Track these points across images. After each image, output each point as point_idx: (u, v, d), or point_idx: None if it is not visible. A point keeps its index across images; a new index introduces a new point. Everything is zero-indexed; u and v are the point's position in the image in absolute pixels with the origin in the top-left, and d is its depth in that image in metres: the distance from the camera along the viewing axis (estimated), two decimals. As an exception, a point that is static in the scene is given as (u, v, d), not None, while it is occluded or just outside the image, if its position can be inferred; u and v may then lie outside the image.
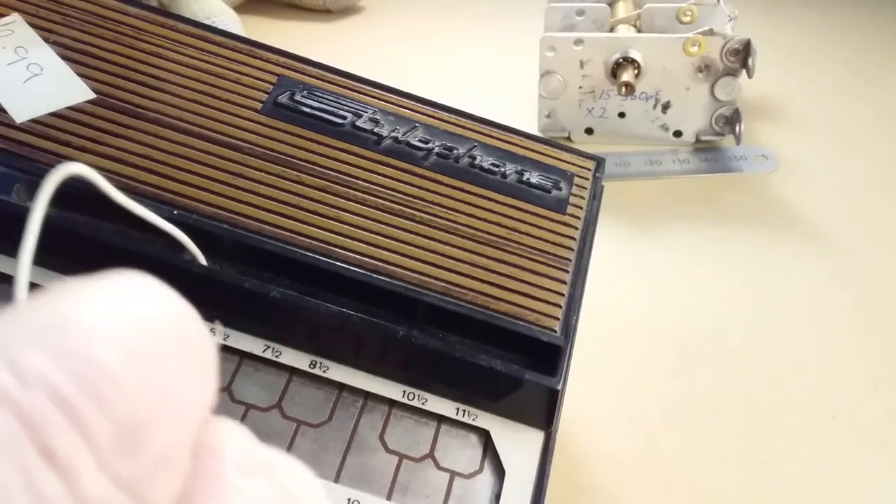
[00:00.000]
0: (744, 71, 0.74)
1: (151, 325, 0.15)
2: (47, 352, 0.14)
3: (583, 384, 0.54)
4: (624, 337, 0.59)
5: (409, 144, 0.40)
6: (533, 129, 0.80)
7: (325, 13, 1.02)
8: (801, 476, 0.50)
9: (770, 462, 0.51)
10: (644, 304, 0.62)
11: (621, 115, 0.79)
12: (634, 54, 0.75)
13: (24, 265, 0.21)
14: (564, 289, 0.37)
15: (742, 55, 0.74)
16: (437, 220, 0.37)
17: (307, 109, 0.39)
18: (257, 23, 0.99)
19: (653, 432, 0.53)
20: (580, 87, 0.78)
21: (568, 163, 0.42)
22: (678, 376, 0.56)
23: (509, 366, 0.34)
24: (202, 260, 0.34)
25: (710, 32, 0.74)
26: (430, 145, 0.40)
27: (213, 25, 0.84)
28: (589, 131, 0.80)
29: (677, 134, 0.79)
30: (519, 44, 0.91)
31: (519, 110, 0.83)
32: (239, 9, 0.96)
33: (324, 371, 0.34)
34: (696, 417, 0.54)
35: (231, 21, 0.87)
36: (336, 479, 0.32)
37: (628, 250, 0.68)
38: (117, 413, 0.14)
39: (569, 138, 0.81)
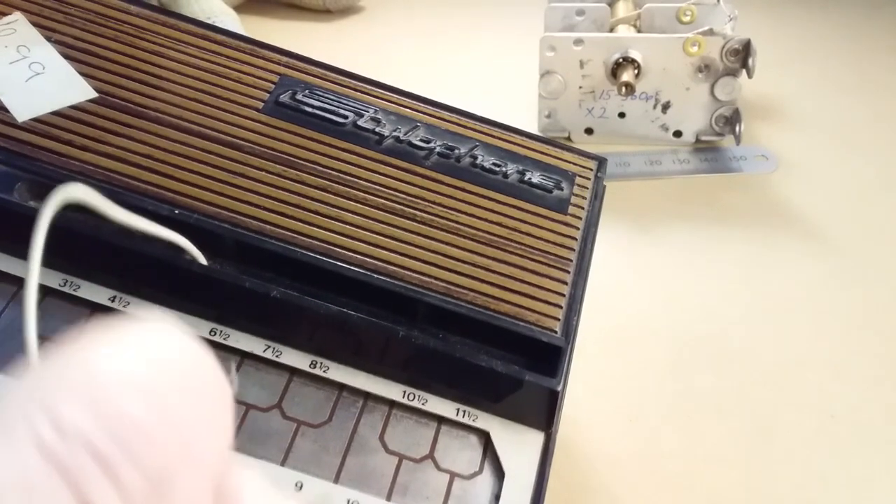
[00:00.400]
0: (744, 71, 0.74)
1: (175, 375, 0.16)
2: (82, 405, 0.14)
3: (583, 384, 0.54)
4: (624, 337, 0.59)
5: (410, 144, 0.40)
6: (533, 129, 0.80)
7: (325, 13, 1.02)
8: (801, 476, 0.50)
9: (770, 462, 0.51)
10: (644, 304, 0.62)
11: (621, 115, 0.79)
12: (634, 54, 0.75)
13: (29, 313, 0.22)
14: (565, 289, 0.37)
15: (742, 55, 0.74)
16: (438, 220, 0.37)
17: (308, 109, 0.39)
18: (257, 23, 0.99)
19: (653, 432, 0.53)
20: (580, 87, 0.78)
21: (569, 163, 0.42)
22: (678, 376, 0.56)
23: (509, 366, 0.34)
24: (202, 260, 0.34)
25: (710, 32, 0.74)
26: (431, 145, 0.40)
27: (213, 25, 0.84)
28: (589, 131, 0.80)
29: (677, 134, 0.79)
30: (519, 44, 0.91)
31: (519, 110, 0.83)
32: (239, 9, 0.96)
33: (324, 371, 0.34)
34: (696, 417, 0.54)
35: (231, 21, 0.87)
36: (336, 480, 0.32)
37: (628, 250, 0.68)
38: (147, 465, 0.14)
39: (569, 138, 0.81)
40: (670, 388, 0.55)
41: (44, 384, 0.15)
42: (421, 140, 0.40)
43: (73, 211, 0.34)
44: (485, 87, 0.89)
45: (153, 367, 0.16)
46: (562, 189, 0.40)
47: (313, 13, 1.02)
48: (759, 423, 0.53)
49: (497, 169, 0.40)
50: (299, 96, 0.40)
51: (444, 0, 1.06)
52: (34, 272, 0.23)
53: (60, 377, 0.15)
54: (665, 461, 0.51)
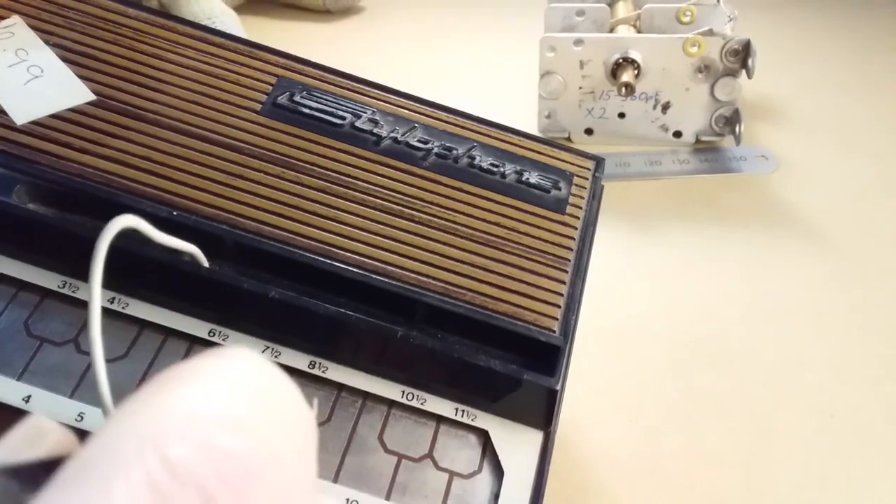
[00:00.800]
0: (743, 71, 0.74)
1: (272, 412, 0.17)
2: (191, 446, 0.15)
3: (583, 384, 0.54)
4: (624, 337, 0.59)
5: (408, 145, 0.40)
6: (533, 130, 0.80)
7: (325, 14, 1.02)
8: (801, 476, 0.50)
9: (770, 462, 0.51)
10: (644, 304, 0.62)
11: (621, 115, 0.79)
12: (634, 55, 0.75)
13: (99, 367, 0.22)
14: (563, 289, 0.37)
15: (742, 55, 0.74)
16: (435, 220, 0.37)
17: (306, 110, 0.39)
18: (257, 23, 0.99)
19: (653, 432, 0.53)
20: (580, 88, 0.78)
21: (567, 163, 0.42)
22: (678, 376, 0.56)
23: (508, 366, 0.34)
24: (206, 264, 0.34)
25: (710, 33, 0.74)
26: (429, 146, 0.40)
27: (214, 26, 0.84)
28: (589, 132, 0.81)
29: (677, 134, 0.79)
30: (519, 44, 0.91)
31: (519, 111, 0.83)
32: (239, 9, 0.96)
33: (323, 371, 0.34)
34: (696, 417, 0.54)
35: (231, 21, 0.87)
36: (335, 479, 0.33)
37: (628, 250, 0.68)
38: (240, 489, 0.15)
39: (569, 139, 0.81)
40: (670, 388, 0.55)
41: (151, 423, 0.15)
42: (418, 141, 0.40)
43: (73, 213, 0.34)
44: (485, 87, 0.89)
45: (253, 405, 0.16)
46: (559, 189, 0.40)
47: (313, 14, 1.02)
48: (759, 423, 0.53)
49: (495, 169, 0.40)
50: (297, 98, 0.40)
51: (444, 1, 1.06)
52: (96, 311, 0.24)
53: (166, 417, 0.15)
54: (665, 461, 0.51)
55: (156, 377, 0.17)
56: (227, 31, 0.85)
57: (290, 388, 0.18)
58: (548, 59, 0.77)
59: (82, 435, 0.18)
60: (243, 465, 0.15)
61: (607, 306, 0.61)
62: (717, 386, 0.56)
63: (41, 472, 0.16)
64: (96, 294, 0.24)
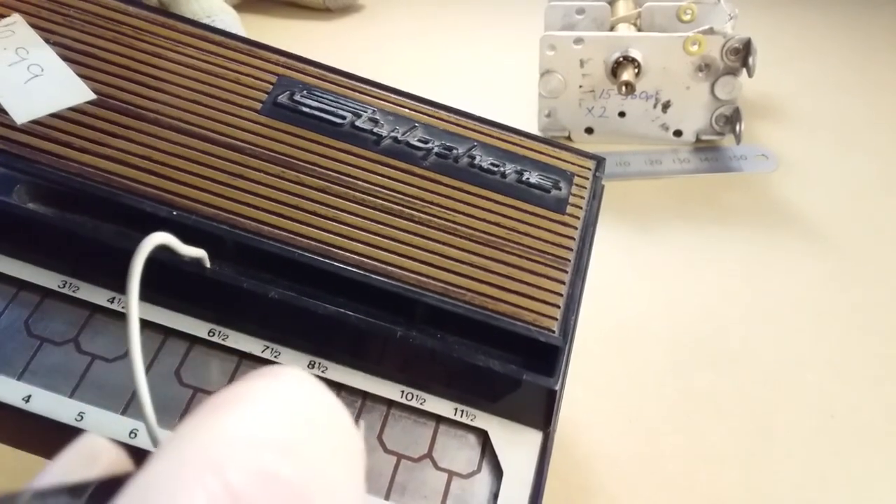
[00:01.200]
0: (744, 70, 0.74)
1: (323, 433, 0.17)
2: (249, 471, 0.15)
3: (583, 384, 0.54)
4: (624, 337, 0.59)
5: (408, 144, 0.40)
6: (533, 129, 0.80)
7: (325, 11, 1.02)
8: (801, 476, 0.50)
9: (770, 462, 0.51)
10: (644, 304, 0.62)
11: (621, 114, 0.79)
12: (635, 53, 0.75)
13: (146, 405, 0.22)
14: (563, 289, 0.37)
15: (742, 54, 0.73)
16: (435, 220, 0.37)
17: (307, 109, 0.39)
18: (257, 21, 0.99)
19: (653, 432, 0.53)
20: (580, 87, 0.78)
21: (568, 162, 0.42)
22: (678, 376, 0.56)
23: (507, 366, 0.34)
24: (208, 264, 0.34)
25: (711, 31, 0.74)
26: (429, 145, 0.40)
27: (213, 24, 0.84)
28: (589, 131, 0.80)
29: (677, 133, 0.79)
30: (519, 43, 0.91)
31: (519, 109, 0.83)
32: (239, 7, 0.96)
33: (322, 371, 0.34)
34: (696, 417, 0.54)
35: (231, 20, 0.87)
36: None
37: (628, 250, 0.68)
38: None
39: (569, 138, 0.81)
40: (670, 388, 0.55)
41: (211, 448, 0.16)
42: (419, 140, 0.40)
43: (73, 213, 0.34)
44: (485, 86, 0.89)
45: (305, 428, 0.17)
46: (560, 189, 0.40)
47: (313, 12, 1.02)
48: (759, 423, 0.53)
49: (495, 169, 0.40)
50: (297, 97, 0.40)
51: (443, -1, 1.06)
52: (135, 330, 0.24)
53: (225, 442, 0.16)
54: (665, 461, 0.51)
55: (211, 398, 0.17)
56: (227, 30, 0.85)
57: (339, 410, 0.18)
58: (548, 58, 0.77)
59: (74, 434, 0.18)
60: (298, 492, 0.15)
61: (607, 306, 0.61)
62: (717, 386, 0.56)
63: (97, 492, 0.17)
64: (134, 313, 0.24)
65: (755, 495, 0.49)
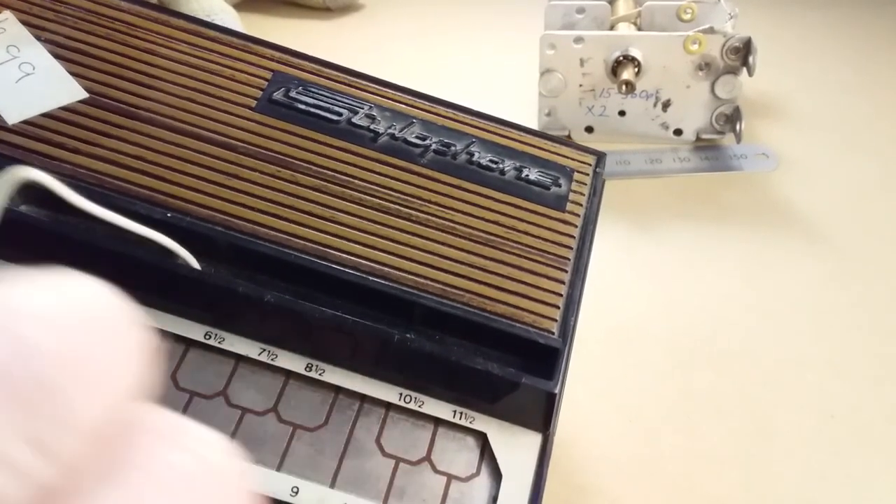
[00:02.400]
0: (744, 69, 0.74)
1: (78, 308, 0.17)
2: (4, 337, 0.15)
3: (583, 384, 0.54)
4: (624, 337, 0.59)
5: (406, 141, 0.39)
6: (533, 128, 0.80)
7: (325, 11, 1.02)
8: (801, 476, 0.50)
9: (770, 462, 0.51)
10: (644, 304, 0.62)
11: (622, 113, 0.79)
12: (635, 52, 0.74)
13: None
14: (563, 289, 0.36)
15: (742, 53, 0.73)
16: (434, 219, 0.37)
17: (302, 106, 0.39)
18: (257, 21, 0.98)
19: (653, 433, 0.52)
20: (580, 86, 0.78)
21: (568, 158, 0.42)
22: (678, 376, 0.56)
23: (506, 369, 0.34)
24: (194, 264, 0.33)
25: (711, 30, 0.74)
26: (427, 142, 0.39)
27: (213, 23, 0.84)
28: (589, 129, 0.80)
29: (678, 132, 0.79)
30: (519, 42, 0.91)
31: (519, 108, 0.83)
32: (238, 6, 0.96)
33: (320, 374, 0.34)
34: (696, 417, 0.53)
35: (230, 19, 0.86)
36: (332, 484, 0.32)
37: (628, 249, 0.67)
38: (35, 370, 0.15)
39: (569, 136, 0.80)
40: (670, 388, 0.55)
41: None
42: (416, 137, 0.39)
43: (66, 215, 0.34)
44: (485, 85, 0.88)
45: (64, 305, 0.16)
46: (560, 185, 0.40)
47: (313, 11, 1.02)
48: (759, 423, 0.53)
49: (494, 166, 0.40)
50: (293, 93, 0.39)
51: (443, -2, 1.06)
52: None
53: None
54: (665, 462, 0.51)
55: None
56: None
57: (113, 301, 0.18)
58: (548, 57, 0.77)
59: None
60: (54, 363, 0.15)
61: (607, 306, 0.61)
62: (717, 386, 0.56)
63: None
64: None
65: (755, 495, 0.49)
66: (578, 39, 0.75)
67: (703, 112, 0.77)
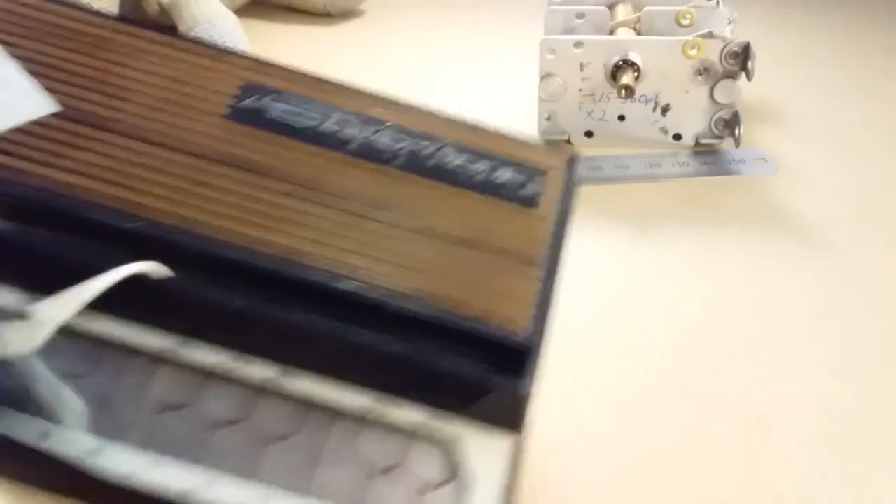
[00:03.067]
0: (743, 74, 0.74)
1: None
2: None
3: (583, 384, 0.54)
4: (624, 339, 0.59)
5: (377, 145, 0.39)
6: (532, 132, 0.80)
7: (326, 17, 1.02)
8: (801, 476, 0.50)
9: (769, 462, 0.51)
10: (644, 307, 0.62)
11: (621, 117, 0.79)
12: (634, 57, 0.75)
13: None
14: (535, 289, 0.36)
15: (741, 58, 0.73)
16: (405, 221, 0.37)
17: (274, 113, 0.39)
18: (258, 26, 0.99)
19: (652, 432, 0.52)
20: (580, 90, 0.78)
21: (540, 160, 0.41)
22: (678, 378, 0.56)
23: (476, 371, 0.33)
24: (166, 272, 0.33)
25: (710, 35, 0.74)
26: (399, 145, 0.39)
27: (214, 28, 0.84)
28: (589, 134, 0.80)
29: (677, 137, 0.79)
30: (519, 47, 0.91)
31: (518, 113, 0.83)
32: (239, 12, 0.96)
33: (290, 382, 0.34)
34: (696, 418, 0.53)
35: (231, 24, 0.87)
36: (305, 493, 0.32)
37: (628, 252, 0.67)
38: None
39: (568, 141, 0.81)
40: (670, 388, 0.55)
41: None
42: (389, 140, 0.39)
43: (35, 226, 0.34)
44: (484, 89, 0.89)
45: None
46: (531, 187, 0.40)
47: (314, 17, 1.02)
48: (759, 424, 0.53)
49: (466, 167, 0.39)
50: (264, 101, 0.39)
51: (444, 3, 1.06)
52: None
53: None
54: (664, 462, 0.50)
55: None
56: (228, 34, 0.85)
57: None
58: (548, 62, 0.77)
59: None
60: None
61: (607, 308, 0.61)
62: (717, 386, 0.55)
63: None
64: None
65: (754, 495, 0.49)
66: (578, 44, 0.76)
67: (702, 116, 0.77)
